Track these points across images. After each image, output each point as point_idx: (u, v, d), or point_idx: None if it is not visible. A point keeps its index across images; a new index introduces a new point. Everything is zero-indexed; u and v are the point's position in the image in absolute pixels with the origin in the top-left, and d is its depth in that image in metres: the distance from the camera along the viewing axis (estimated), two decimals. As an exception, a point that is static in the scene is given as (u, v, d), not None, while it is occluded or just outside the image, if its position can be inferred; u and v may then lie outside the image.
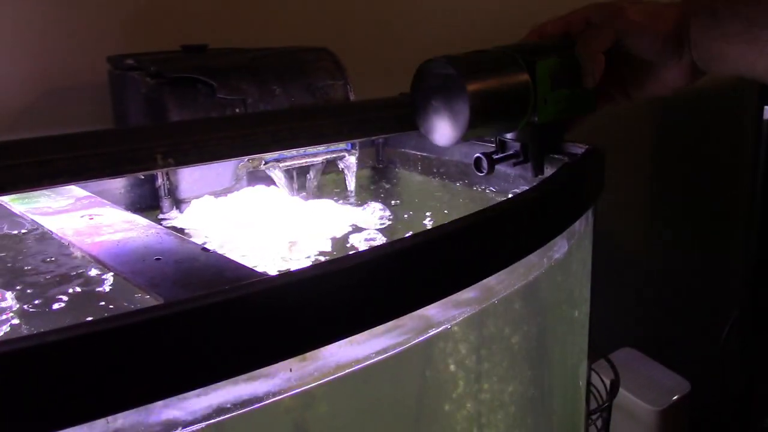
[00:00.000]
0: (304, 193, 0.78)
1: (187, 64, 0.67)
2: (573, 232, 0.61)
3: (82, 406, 0.28)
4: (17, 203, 0.61)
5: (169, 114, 0.64)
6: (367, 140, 0.86)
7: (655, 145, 1.56)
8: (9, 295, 0.52)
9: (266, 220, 0.70)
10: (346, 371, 0.40)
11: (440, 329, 0.46)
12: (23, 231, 0.66)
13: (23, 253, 0.62)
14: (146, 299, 0.41)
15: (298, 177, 0.78)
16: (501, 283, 0.51)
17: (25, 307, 0.52)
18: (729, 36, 0.59)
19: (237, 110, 0.67)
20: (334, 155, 0.76)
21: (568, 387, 0.70)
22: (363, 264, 0.37)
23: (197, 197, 0.71)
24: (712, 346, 1.45)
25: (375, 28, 1.05)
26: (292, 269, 0.35)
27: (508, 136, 0.63)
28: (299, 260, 0.62)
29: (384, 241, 0.66)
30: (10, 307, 0.52)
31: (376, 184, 0.88)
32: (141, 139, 0.50)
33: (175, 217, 0.70)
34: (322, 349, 0.38)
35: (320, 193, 0.79)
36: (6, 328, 0.50)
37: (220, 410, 0.35)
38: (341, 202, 0.77)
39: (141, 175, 0.72)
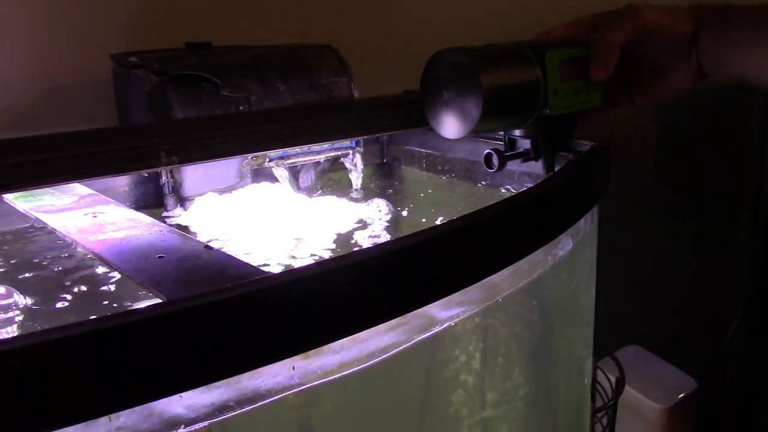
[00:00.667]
0: (309, 191, 0.78)
1: (190, 61, 0.67)
2: (578, 230, 0.60)
3: (84, 404, 0.28)
4: (21, 201, 0.61)
5: (172, 111, 0.64)
6: (371, 137, 0.85)
7: (660, 143, 1.56)
8: (16, 294, 0.52)
9: (271, 217, 0.70)
10: (349, 369, 0.39)
11: (444, 327, 0.46)
12: (27, 229, 0.67)
13: (27, 251, 0.63)
14: (149, 297, 0.41)
15: (302, 174, 0.78)
16: (505, 281, 0.51)
17: (29, 304, 0.52)
18: (738, 41, 0.60)
19: (241, 108, 0.67)
20: (338, 153, 0.76)
21: (573, 385, 0.70)
22: (366, 261, 0.36)
23: (201, 195, 0.71)
24: (718, 344, 1.44)
25: (379, 25, 1.05)
26: (296, 267, 0.35)
27: (517, 133, 0.63)
28: (304, 258, 0.62)
29: (388, 238, 0.66)
30: (16, 304, 0.52)
31: (381, 181, 0.88)
32: (145, 136, 0.50)
33: (179, 215, 0.70)
34: (325, 346, 0.38)
35: (324, 190, 0.79)
36: (10, 325, 0.50)
37: (222, 408, 0.35)
38: (346, 199, 0.77)
39: (145, 173, 0.72)
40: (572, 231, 0.58)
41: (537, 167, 0.63)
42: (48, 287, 0.55)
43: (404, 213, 0.73)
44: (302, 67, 0.71)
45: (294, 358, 0.37)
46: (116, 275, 0.55)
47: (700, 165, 1.61)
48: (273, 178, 0.75)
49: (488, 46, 0.58)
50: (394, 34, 1.06)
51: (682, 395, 1.23)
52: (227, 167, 0.72)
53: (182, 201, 0.70)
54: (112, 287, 0.55)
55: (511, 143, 0.64)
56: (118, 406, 0.29)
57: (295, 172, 0.75)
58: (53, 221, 0.56)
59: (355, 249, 0.64)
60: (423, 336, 0.44)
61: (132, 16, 0.82)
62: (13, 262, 0.60)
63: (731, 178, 1.64)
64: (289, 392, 0.37)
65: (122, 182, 0.73)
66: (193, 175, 0.70)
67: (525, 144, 0.63)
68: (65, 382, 0.27)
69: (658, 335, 1.47)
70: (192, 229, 0.67)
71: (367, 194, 0.79)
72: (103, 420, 0.31)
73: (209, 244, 0.48)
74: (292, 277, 0.34)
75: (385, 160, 0.91)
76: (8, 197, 0.62)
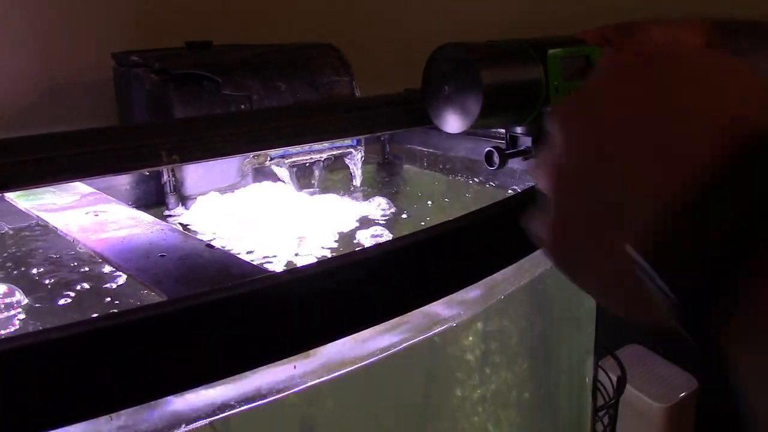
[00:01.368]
0: (310, 189, 0.78)
1: (191, 60, 0.67)
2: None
3: (85, 403, 0.28)
4: (23, 200, 0.61)
5: (173, 110, 0.64)
6: (372, 136, 0.85)
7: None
8: (18, 293, 0.52)
9: (272, 216, 0.70)
10: (351, 368, 0.39)
11: (445, 326, 0.46)
12: (29, 227, 0.67)
13: (29, 249, 0.63)
14: (150, 296, 0.41)
15: (303, 173, 0.78)
16: (507, 280, 0.51)
17: (31, 303, 0.52)
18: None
19: (242, 107, 0.67)
20: (339, 151, 0.76)
21: (574, 384, 0.70)
22: (368, 261, 0.36)
23: (203, 194, 0.71)
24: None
25: (380, 25, 1.05)
26: (297, 266, 0.35)
27: (519, 130, 0.63)
28: (305, 256, 0.62)
29: (390, 237, 0.66)
30: (19, 302, 0.52)
31: (382, 179, 0.88)
32: (146, 135, 0.50)
33: (180, 214, 0.70)
34: (326, 345, 0.38)
35: (326, 188, 0.79)
36: (13, 323, 0.50)
37: (224, 407, 0.35)
38: (347, 197, 0.77)
39: (146, 172, 0.72)
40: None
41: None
42: (49, 286, 0.55)
43: (405, 212, 0.73)
44: (303, 66, 0.71)
45: (295, 357, 0.37)
46: (117, 274, 0.55)
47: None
48: (274, 177, 0.75)
49: (490, 42, 0.58)
50: (395, 33, 1.06)
51: (683, 394, 1.23)
52: (228, 166, 0.71)
53: (184, 200, 0.70)
54: (114, 286, 0.55)
55: (513, 141, 0.64)
56: (119, 405, 0.29)
57: (296, 171, 0.75)
58: (55, 220, 0.56)
59: (357, 248, 0.64)
60: (424, 335, 0.44)
61: (133, 15, 0.82)
62: (14, 260, 0.60)
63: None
64: (291, 391, 0.37)
65: (124, 181, 0.73)
66: (194, 174, 0.70)
67: (527, 142, 0.63)
68: (66, 380, 0.27)
69: (659, 334, 1.46)
70: (193, 228, 0.67)
71: (369, 193, 0.79)
72: (104, 419, 0.31)
73: (210, 243, 0.48)
74: (293, 276, 0.34)
75: (386, 159, 0.91)
76: (10, 196, 0.62)
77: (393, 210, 0.73)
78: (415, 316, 0.43)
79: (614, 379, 0.96)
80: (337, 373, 0.39)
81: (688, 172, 0.22)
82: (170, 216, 0.70)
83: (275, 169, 0.73)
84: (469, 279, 0.43)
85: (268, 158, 0.72)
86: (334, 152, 0.75)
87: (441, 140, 0.78)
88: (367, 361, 0.40)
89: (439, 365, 0.50)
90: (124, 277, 0.53)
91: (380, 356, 0.41)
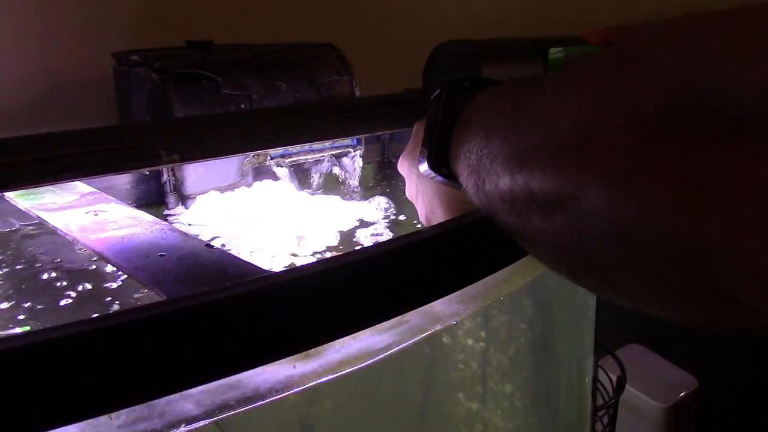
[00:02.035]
0: (310, 189, 0.78)
1: (191, 59, 0.67)
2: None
3: (84, 403, 0.28)
4: (22, 199, 0.61)
5: (173, 110, 0.64)
6: (372, 136, 0.85)
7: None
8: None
9: (272, 215, 0.70)
10: (351, 368, 0.39)
11: (445, 325, 0.46)
12: (29, 227, 0.67)
13: (28, 249, 0.63)
14: (150, 295, 0.41)
15: (303, 172, 0.78)
16: (507, 280, 0.51)
17: (30, 303, 0.52)
18: None
19: (242, 106, 0.67)
20: (339, 151, 0.76)
21: (574, 383, 0.70)
22: (367, 260, 0.36)
23: (203, 193, 0.71)
24: (720, 342, 1.44)
25: (380, 24, 1.05)
26: (297, 265, 0.35)
27: None
28: (305, 256, 0.62)
29: (389, 237, 0.66)
30: (17, 303, 0.52)
31: (382, 179, 0.88)
32: (146, 135, 0.50)
33: (180, 213, 0.70)
34: (325, 345, 0.38)
35: (326, 188, 0.79)
36: (11, 323, 0.50)
37: (223, 407, 0.35)
38: (347, 197, 0.77)
39: (146, 171, 0.72)
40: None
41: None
42: (49, 285, 0.55)
43: (405, 211, 0.73)
44: (303, 66, 0.71)
45: (295, 356, 0.37)
46: (117, 273, 0.55)
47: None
48: (274, 177, 0.75)
49: (491, 40, 0.58)
50: (396, 32, 1.06)
51: (683, 394, 1.23)
52: (228, 165, 0.72)
53: (184, 199, 0.70)
54: (113, 285, 0.55)
55: None
56: (119, 404, 0.29)
57: (296, 171, 0.75)
58: (54, 219, 0.56)
59: (357, 247, 0.64)
60: (424, 334, 0.44)
61: (133, 14, 0.82)
62: (14, 259, 0.60)
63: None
64: (290, 391, 0.37)
65: (123, 180, 0.73)
66: (194, 173, 0.70)
67: None
68: (65, 380, 0.27)
69: (659, 334, 1.47)
70: (193, 228, 0.67)
71: (369, 192, 0.79)
72: (104, 419, 0.31)
73: (210, 242, 0.48)
74: (293, 275, 0.34)
75: (386, 158, 0.91)
76: (9, 195, 0.62)
77: (393, 209, 0.73)
78: (415, 315, 0.43)
79: (614, 378, 0.96)
80: (337, 373, 0.39)
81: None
82: (170, 215, 0.70)
83: (275, 168, 0.73)
84: (469, 278, 0.43)
85: (268, 158, 0.72)
86: (334, 152, 0.75)
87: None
88: (367, 361, 0.40)
89: (439, 365, 0.50)
90: (124, 276, 0.53)
91: (380, 356, 0.41)
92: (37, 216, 0.58)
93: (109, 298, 0.53)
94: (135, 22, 0.83)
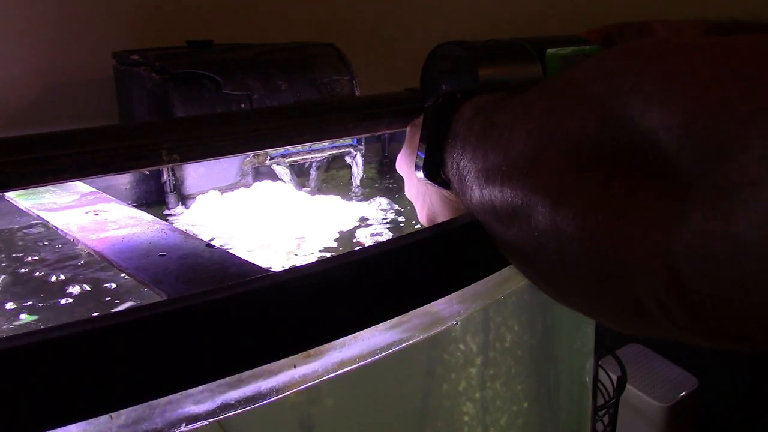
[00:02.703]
0: (310, 189, 0.78)
1: (192, 59, 0.67)
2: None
3: (85, 402, 0.28)
4: (23, 199, 0.61)
5: (174, 109, 0.64)
6: (373, 135, 0.85)
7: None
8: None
9: (272, 215, 0.70)
10: (351, 367, 0.39)
11: (446, 325, 0.46)
12: (29, 226, 0.67)
13: (29, 248, 0.63)
14: (150, 295, 0.41)
15: (304, 172, 0.78)
16: (507, 279, 0.51)
17: (30, 302, 0.52)
18: None
19: (242, 106, 0.67)
20: (340, 150, 0.76)
21: (574, 383, 0.69)
22: (368, 260, 0.36)
23: (203, 193, 0.71)
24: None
25: (380, 24, 1.05)
26: (298, 265, 0.35)
27: None
28: (305, 256, 0.62)
29: (390, 236, 0.66)
30: (18, 302, 0.52)
31: (383, 179, 0.88)
32: (146, 135, 0.50)
33: (180, 213, 0.70)
34: (326, 345, 0.38)
35: (326, 188, 0.79)
36: (11, 323, 0.50)
37: (224, 407, 0.35)
38: (347, 197, 0.77)
39: (146, 171, 0.72)
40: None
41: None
42: (49, 285, 0.55)
43: (406, 211, 0.73)
44: (304, 65, 0.71)
45: (295, 356, 0.37)
46: (117, 273, 0.55)
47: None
48: (274, 176, 0.75)
49: (489, 41, 0.58)
50: (396, 32, 1.06)
51: (683, 394, 1.23)
52: (229, 165, 0.72)
53: (184, 199, 0.70)
54: (114, 285, 0.55)
55: None
56: (119, 404, 0.29)
57: (296, 170, 0.75)
58: (55, 219, 0.56)
59: (357, 247, 0.64)
60: (425, 334, 0.44)
61: (133, 14, 0.82)
62: (14, 259, 0.60)
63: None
64: (291, 391, 0.37)
65: (124, 180, 0.73)
66: (194, 173, 0.70)
67: None
68: (66, 380, 0.27)
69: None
70: (193, 228, 0.67)
71: (369, 192, 0.79)
72: (105, 418, 0.31)
73: (210, 242, 0.48)
74: (293, 275, 0.34)
75: (386, 158, 0.91)
76: (10, 195, 0.62)
77: (393, 209, 0.73)
78: (416, 315, 0.43)
79: (614, 378, 0.96)
80: (337, 373, 0.39)
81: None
82: (170, 215, 0.70)
83: (275, 168, 0.73)
84: (469, 278, 0.43)
85: (269, 157, 0.72)
86: (335, 152, 0.75)
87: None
88: (367, 361, 0.40)
89: (440, 364, 0.50)
90: (124, 276, 0.53)
91: (381, 355, 0.41)
92: (38, 216, 0.58)
93: (109, 298, 0.53)
94: (135, 22, 0.83)
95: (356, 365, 0.40)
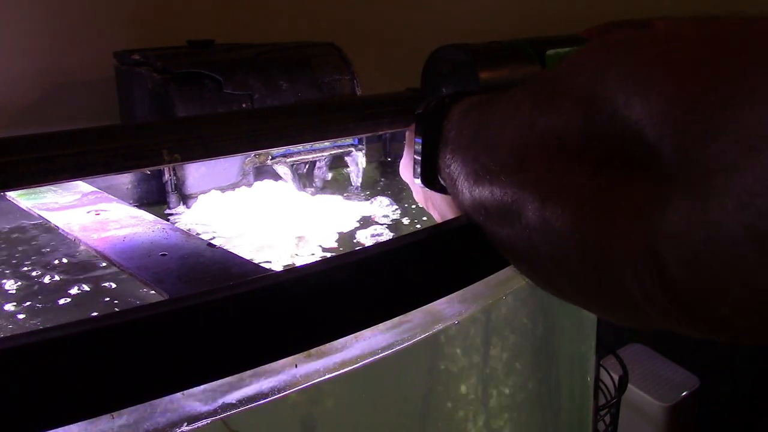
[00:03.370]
0: (312, 188, 0.78)
1: (193, 59, 0.67)
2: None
3: (86, 402, 0.28)
4: (24, 198, 0.61)
5: (175, 109, 0.64)
6: (374, 135, 0.85)
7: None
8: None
9: (273, 215, 0.70)
10: (352, 367, 0.39)
11: (447, 324, 0.46)
12: (30, 226, 0.67)
13: (30, 248, 0.63)
14: (151, 295, 0.41)
15: (305, 172, 0.78)
16: (509, 278, 0.51)
17: (31, 302, 0.52)
18: None
19: (243, 105, 0.67)
20: (341, 150, 0.76)
21: (576, 383, 0.69)
22: (369, 259, 0.36)
23: (204, 192, 0.71)
24: (721, 342, 1.44)
25: (381, 23, 1.05)
26: (298, 265, 0.35)
27: None
28: (306, 256, 0.62)
29: (391, 236, 0.66)
30: (18, 302, 0.52)
31: (384, 178, 0.87)
32: (147, 134, 0.49)
33: (182, 212, 0.70)
34: (327, 345, 0.38)
35: (327, 188, 0.79)
36: (12, 322, 0.50)
37: (225, 406, 0.35)
38: (348, 196, 0.77)
39: (147, 171, 0.72)
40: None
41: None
42: (50, 285, 0.55)
43: (407, 211, 0.73)
44: (305, 65, 0.71)
45: (296, 356, 0.37)
46: (119, 273, 0.55)
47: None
48: (275, 176, 0.75)
49: (489, 43, 0.58)
50: (397, 31, 1.06)
51: (685, 393, 1.23)
52: (230, 165, 0.71)
53: (185, 198, 0.70)
54: (115, 285, 0.55)
55: None
56: (120, 404, 0.29)
57: (298, 170, 0.75)
58: (56, 219, 0.56)
59: (358, 247, 0.64)
60: (426, 334, 0.44)
61: (135, 14, 0.82)
62: (15, 259, 0.60)
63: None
64: (292, 390, 0.37)
65: (125, 180, 0.73)
66: (195, 172, 0.70)
67: None
68: (67, 380, 0.27)
69: (661, 333, 1.46)
70: (195, 227, 0.67)
71: (370, 192, 0.79)
72: (106, 417, 0.31)
73: (212, 242, 0.48)
74: (295, 275, 0.34)
75: (387, 158, 0.91)
76: (11, 195, 0.62)
77: (394, 209, 0.73)
78: (417, 314, 0.43)
79: (616, 378, 0.96)
80: (338, 372, 0.39)
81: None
82: (171, 215, 0.70)
83: (276, 167, 0.73)
84: (471, 277, 0.43)
85: (270, 157, 0.72)
86: (336, 151, 0.75)
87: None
88: (368, 360, 0.40)
89: (441, 364, 0.50)
90: (126, 276, 0.53)
91: (382, 355, 0.41)
92: (39, 215, 0.58)
93: (108, 298, 0.53)
94: (136, 22, 0.83)
95: (357, 365, 0.40)
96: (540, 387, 0.61)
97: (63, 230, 0.54)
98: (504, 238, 0.36)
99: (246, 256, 0.44)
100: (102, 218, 0.55)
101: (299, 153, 0.73)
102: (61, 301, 0.52)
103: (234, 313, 0.31)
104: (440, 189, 0.43)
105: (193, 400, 0.34)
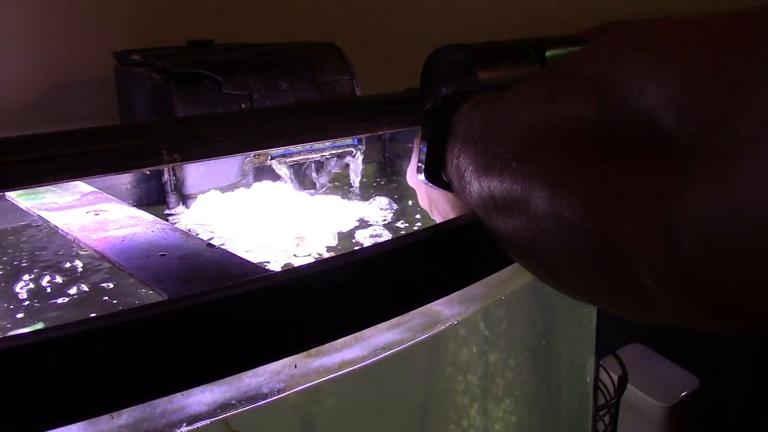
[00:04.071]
0: (311, 189, 0.78)
1: (193, 59, 0.67)
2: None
3: (85, 402, 0.28)
4: (23, 198, 0.61)
5: (175, 109, 0.64)
6: (373, 135, 0.85)
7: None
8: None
9: (272, 215, 0.70)
10: (351, 367, 0.39)
11: (447, 325, 0.46)
12: (29, 226, 0.67)
13: (29, 248, 0.63)
14: (151, 295, 0.41)
15: (304, 172, 0.78)
16: (508, 279, 0.51)
17: (31, 302, 0.52)
18: None
19: (243, 105, 0.66)
20: (340, 150, 0.76)
21: (575, 383, 0.69)
22: (368, 260, 0.36)
23: (203, 192, 0.71)
24: (721, 342, 1.44)
25: (381, 23, 1.05)
26: (297, 265, 0.35)
27: None
28: (305, 256, 0.62)
29: (390, 236, 0.66)
30: (18, 302, 0.52)
31: (383, 179, 0.87)
32: (147, 134, 0.49)
33: (181, 213, 0.70)
34: (327, 345, 0.38)
35: (326, 188, 0.79)
36: (12, 322, 0.50)
37: (224, 406, 0.35)
38: (347, 197, 0.77)
39: (147, 171, 0.72)
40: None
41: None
42: (49, 285, 0.55)
43: (406, 211, 0.73)
44: (304, 65, 0.71)
45: (296, 356, 0.37)
46: (117, 273, 0.55)
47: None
48: (275, 176, 0.75)
49: (489, 43, 0.58)
50: (397, 31, 1.06)
51: (684, 393, 1.23)
52: (229, 165, 0.72)
53: (184, 199, 0.70)
54: (114, 285, 0.55)
55: None
56: (120, 404, 0.29)
57: (297, 170, 0.75)
58: (55, 219, 0.56)
59: (357, 247, 0.64)
60: (425, 334, 0.44)
61: (134, 14, 0.82)
62: (15, 259, 0.60)
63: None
64: (292, 390, 0.37)
65: (124, 180, 0.73)
66: (195, 172, 0.70)
67: None
68: (67, 380, 0.27)
69: (661, 333, 1.46)
70: (194, 227, 0.67)
71: (369, 192, 0.79)
72: (105, 418, 0.31)
73: (211, 242, 0.48)
74: (294, 275, 0.34)
75: (387, 158, 0.91)
76: (10, 195, 0.62)
77: (393, 209, 0.73)
78: (416, 315, 0.43)
79: (615, 378, 0.96)
80: (338, 373, 0.39)
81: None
82: (171, 215, 0.70)
83: (276, 168, 0.73)
84: (470, 278, 0.43)
85: (269, 157, 0.72)
86: (335, 151, 0.75)
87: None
88: (368, 361, 0.40)
89: (441, 364, 0.50)
90: (125, 276, 0.53)
91: (381, 355, 0.41)
92: (38, 215, 0.58)
93: (106, 298, 0.53)
94: (136, 22, 0.83)
95: (357, 365, 0.40)
96: (539, 387, 0.61)
97: (62, 230, 0.54)
98: (510, 231, 0.35)
99: (245, 256, 0.44)
100: (101, 218, 0.55)
101: (298, 153, 0.73)
102: (60, 301, 0.52)
103: (233, 313, 0.31)
104: (443, 185, 0.43)
105: (193, 400, 0.34)
